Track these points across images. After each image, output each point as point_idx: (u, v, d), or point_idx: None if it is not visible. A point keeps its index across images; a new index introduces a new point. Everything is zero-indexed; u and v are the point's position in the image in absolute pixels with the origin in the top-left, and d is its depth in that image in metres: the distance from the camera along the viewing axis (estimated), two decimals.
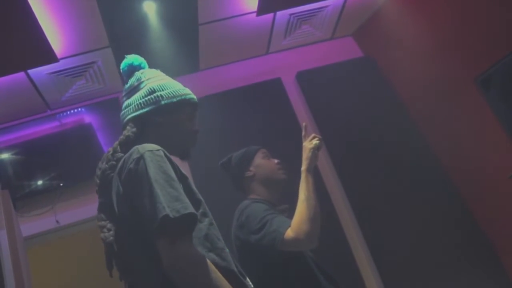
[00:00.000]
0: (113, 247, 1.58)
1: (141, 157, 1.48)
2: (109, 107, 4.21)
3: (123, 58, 1.88)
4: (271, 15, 4.09)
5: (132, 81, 1.82)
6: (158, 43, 3.85)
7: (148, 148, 1.52)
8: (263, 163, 2.57)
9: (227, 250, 1.58)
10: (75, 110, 4.20)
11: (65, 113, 4.20)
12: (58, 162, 4.03)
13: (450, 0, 3.71)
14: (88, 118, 4.20)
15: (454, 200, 3.94)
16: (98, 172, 1.67)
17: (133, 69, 1.85)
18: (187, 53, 4.14)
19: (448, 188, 4.00)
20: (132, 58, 1.86)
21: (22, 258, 3.14)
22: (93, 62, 3.93)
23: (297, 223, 2.16)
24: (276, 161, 2.58)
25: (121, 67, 1.87)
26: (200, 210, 1.56)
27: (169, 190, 1.41)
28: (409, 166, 4.02)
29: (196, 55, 4.28)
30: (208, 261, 1.39)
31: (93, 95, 4.29)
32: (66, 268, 5.37)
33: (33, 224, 3.83)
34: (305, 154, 2.34)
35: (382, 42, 4.47)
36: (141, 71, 1.84)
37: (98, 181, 1.66)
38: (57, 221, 3.90)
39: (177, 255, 1.35)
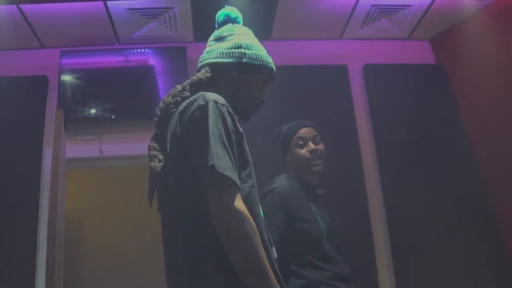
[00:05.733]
0: (159, 177, 1.62)
1: (206, 105, 1.52)
2: (175, 54, 4.25)
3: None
4: (353, 1, 4.02)
5: (223, 30, 1.86)
6: (237, 3, 3.82)
7: (214, 97, 1.56)
8: (296, 153, 2.61)
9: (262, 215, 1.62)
10: (142, 50, 4.28)
11: (131, 51, 4.28)
12: (115, 95, 4.14)
13: None
14: (152, 60, 4.26)
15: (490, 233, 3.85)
16: (161, 105, 1.71)
17: (228, 20, 1.89)
18: (263, 19, 4.09)
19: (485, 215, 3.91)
20: (230, 10, 1.90)
21: (61, 178, 3.27)
22: (170, 8, 3.95)
23: None
24: (310, 148, 2.58)
25: (217, 16, 1.91)
26: (246, 171, 1.59)
27: (220, 147, 1.45)
28: (451, 182, 3.96)
29: (271, 24, 4.25)
30: (252, 222, 1.42)
31: (162, 39, 4.33)
32: (99, 195, 5.55)
33: (78, 148, 3.96)
34: None
35: (459, 55, 4.28)
36: (234, 24, 1.88)
37: (159, 113, 1.71)
38: (100, 151, 4.02)
39: (224, 208, 1.40)
